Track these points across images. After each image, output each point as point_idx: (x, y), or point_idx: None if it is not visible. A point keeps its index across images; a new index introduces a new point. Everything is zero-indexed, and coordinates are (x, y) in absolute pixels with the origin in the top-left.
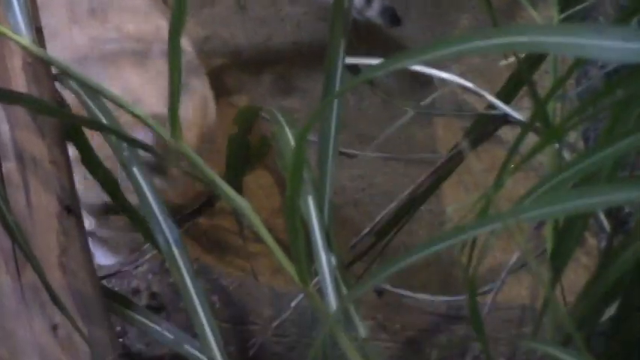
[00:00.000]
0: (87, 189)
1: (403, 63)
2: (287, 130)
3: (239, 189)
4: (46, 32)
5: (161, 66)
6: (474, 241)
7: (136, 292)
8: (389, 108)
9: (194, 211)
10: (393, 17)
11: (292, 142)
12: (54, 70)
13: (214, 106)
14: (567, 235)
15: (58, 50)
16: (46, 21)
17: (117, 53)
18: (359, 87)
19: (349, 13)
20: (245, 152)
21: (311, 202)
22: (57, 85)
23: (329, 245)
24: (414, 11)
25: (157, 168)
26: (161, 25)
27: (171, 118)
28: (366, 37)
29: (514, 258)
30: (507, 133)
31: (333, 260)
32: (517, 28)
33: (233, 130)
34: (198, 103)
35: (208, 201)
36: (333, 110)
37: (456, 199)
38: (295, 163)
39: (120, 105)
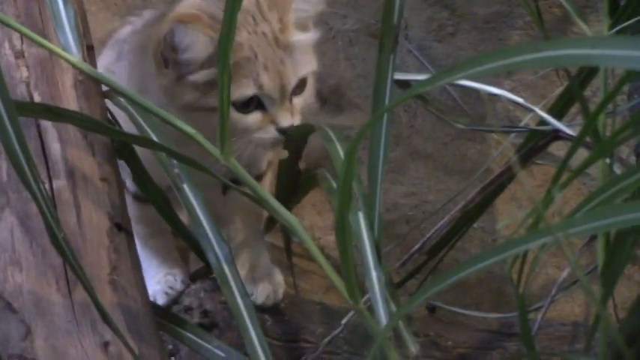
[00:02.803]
0: None
1: (451, 78)
2: (338, 145)
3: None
4: None
5: None
6: (524, 258)
7: (189, 310)
8: (442, 125)
9: None
10: None
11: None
12: (104, 88)
13: None
14: (618, 250)
15: None
16: None
17: None
18: (412, 104)
19: (399, 29)
20: (295, 179)
21: (361, 218)
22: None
23: (379, 262)
24: (466, 26)
25: None
26: None
27: (221, 136)
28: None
29: (565, 274)
30: (561, 150)
31: (383, 277)
32: (566, 41)
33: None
34: None
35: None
36: (382, 125)
37: (509, 217)
38: (345, 178)
39: (170, 123)
